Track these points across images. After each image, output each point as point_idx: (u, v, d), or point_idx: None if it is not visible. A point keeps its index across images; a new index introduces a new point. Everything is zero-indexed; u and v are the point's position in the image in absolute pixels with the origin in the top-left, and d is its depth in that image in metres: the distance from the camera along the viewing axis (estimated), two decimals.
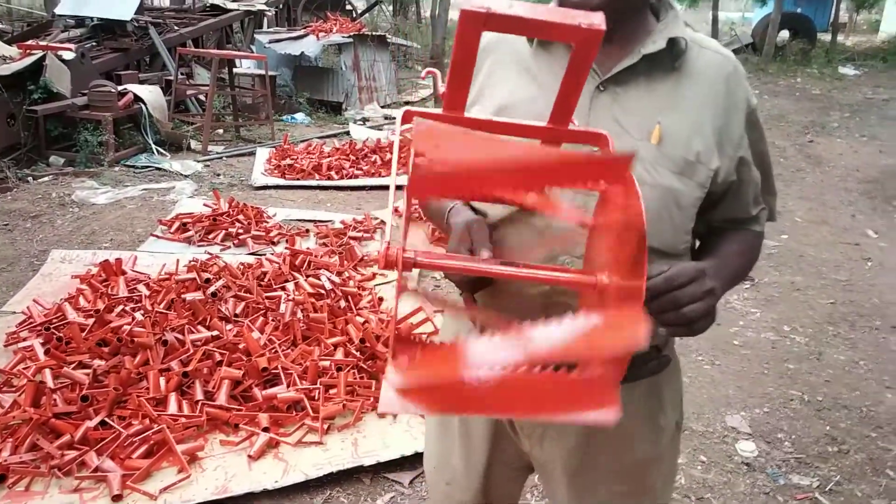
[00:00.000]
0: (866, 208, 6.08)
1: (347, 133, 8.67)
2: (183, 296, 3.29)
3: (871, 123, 9.85)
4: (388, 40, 11.70)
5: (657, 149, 1.01)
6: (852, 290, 4.33)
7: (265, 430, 2.53)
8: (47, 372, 2.71)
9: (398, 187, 0.80)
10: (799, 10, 19.67)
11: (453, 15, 15.01)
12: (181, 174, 6.45)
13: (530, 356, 0.61)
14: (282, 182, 6.26)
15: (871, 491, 2.53)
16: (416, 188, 0.70)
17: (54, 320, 3.18)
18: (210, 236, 4.65)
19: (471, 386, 0.61)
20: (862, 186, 6.74)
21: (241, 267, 3.87)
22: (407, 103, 11.22)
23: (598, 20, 0.74)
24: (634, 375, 1.03)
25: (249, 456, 2.44)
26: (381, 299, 3.62)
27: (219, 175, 6.58)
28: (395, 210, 4.94)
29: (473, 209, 1.11)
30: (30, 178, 6.02)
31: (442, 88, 0.86)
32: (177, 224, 4.80)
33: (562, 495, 1.23)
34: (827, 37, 19.15)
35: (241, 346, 2.91)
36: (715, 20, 18.42)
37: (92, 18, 8.38)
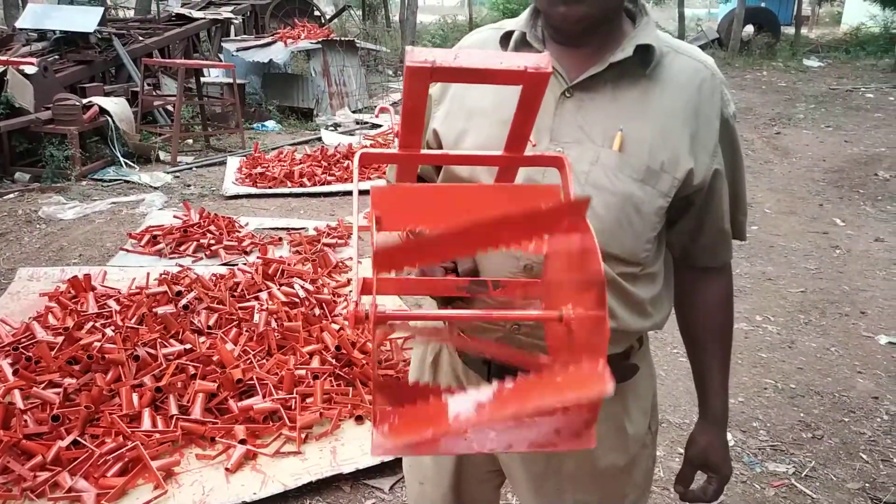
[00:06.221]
0: (833, 197, 6.19)
1: (319, 139, 8.63)
2: (154, 309, 3.25)
3: (836, 114, 10.03)
4: (358, 45, 11.66)
5: (619, 156, 1.00)
6: (822, 278, 4.40)
7: (242, 442, 2.50)
8: (16, 392, 2.66)
9: (362, 192, 0.81)
10: (763, 5, 19.99)
11: (422, 18, 15.03)
12: (150, 186, 6.37)
13: (511, 416, 0.64)
14: (253, 191, 6.21)
15: (845, 475, 2.57)
16: (380, 263, 0.71)
17: (23, 339, 3.11)
18: (181, 248, 4.59)
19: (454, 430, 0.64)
20: (829, 176, 6.86)
21: (214, 278, 3.83)
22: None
23: (543, 62, 0.74)
24: None
25: (227, 469, 2.41)
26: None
27: (189, 186, 6.50)
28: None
29: None
30: None
31: (396, 126, 0.86)
32: (147, 237, 4.74)
33: (528, 501, 1.23)
34: (791, 30, 19.50)
35: (214, 359, 2.88)
36: (681, 17, 18.60)
37: (54, 31, 8.24)
